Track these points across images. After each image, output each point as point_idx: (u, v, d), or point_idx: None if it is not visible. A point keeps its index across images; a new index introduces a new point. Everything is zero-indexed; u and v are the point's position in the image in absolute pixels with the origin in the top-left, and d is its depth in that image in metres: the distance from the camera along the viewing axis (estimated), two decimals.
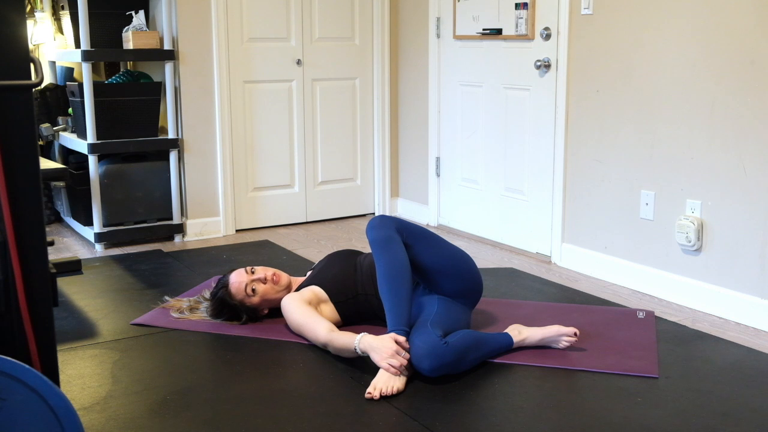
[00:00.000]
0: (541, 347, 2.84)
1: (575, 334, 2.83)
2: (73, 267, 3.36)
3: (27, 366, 1.68)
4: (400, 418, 2.34)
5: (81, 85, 4.28)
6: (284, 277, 3.12)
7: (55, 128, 4.73)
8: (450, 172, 4.77)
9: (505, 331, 2.87)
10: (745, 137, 3.16)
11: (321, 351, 2.82)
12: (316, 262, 3.34)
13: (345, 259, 3.14)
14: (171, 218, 4.55)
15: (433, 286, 2.93)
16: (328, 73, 4.94)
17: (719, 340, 3.00)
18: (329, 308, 3.00)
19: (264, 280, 3.05)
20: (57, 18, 4.91)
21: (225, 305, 3.08)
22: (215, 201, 4.66)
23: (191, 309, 3.22)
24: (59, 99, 4.96)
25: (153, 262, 4.09)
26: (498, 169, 4.41)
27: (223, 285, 3.09)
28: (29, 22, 4.89)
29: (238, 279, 3.06)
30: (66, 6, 4.51)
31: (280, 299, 3.06)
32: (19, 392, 1.67)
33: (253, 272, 3.07)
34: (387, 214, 5.16)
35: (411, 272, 2.75)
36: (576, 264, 3.96)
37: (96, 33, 4.34)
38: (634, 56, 3.57)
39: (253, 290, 3.04)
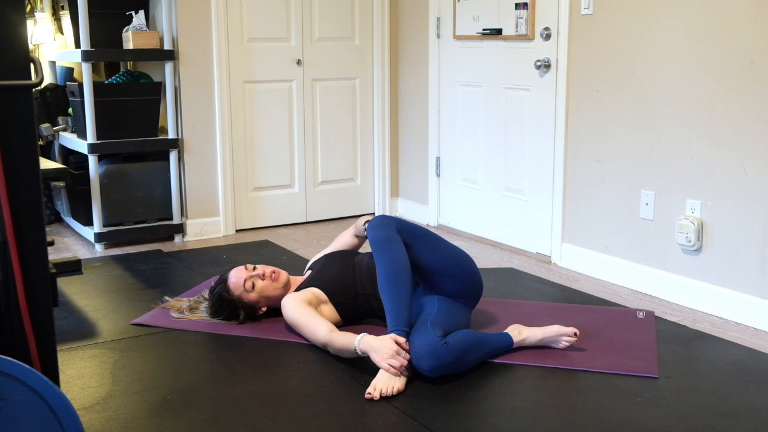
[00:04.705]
0: (541, 347, 2.84)
1: (575, 334, 2.83)
2: (73, 267, 3.35)
3: (27, 366, 1.68)
4: (400, 418, 2.35)
5: (81, 85, 4.28)
6: (284, 275, 3.12)
7: (55, 128, 4.73)
8: (450, 172, 4.77)
9: (505, 331, 2.87)
10: (745, 137, 3.16)
11: (321, 351, 2.82)
12: (311, 260, 3.34)
13: (342, 259, 3.14)
14: (171, 218, 4.55)
15: (433, 287, 2.93)
16: (328, 73, 4.94)
17: (719, 340, 3.00)
18: (329, 309, 3.00)
19: (263, 277, 3.06)
20: (57, 18, 4.91)
21: (223, 301, 3.08)
22: (215, 201, 4.66)
23: (191, 309, 3.22)
24: (59, 99, 4.96)
25: (153, 262, 4.09)
26: (498, 169, 4.41)
27: (222, 280, 3.10)
28: (29, 22, 4.89)
29: (237, 275, 3.07)
30: (66, 6, 4.51)
31: (279, 297, 3.06)
32: (19, 392, 1.67)
33: (254, 269, 3.08)
34: (387, 214, 5.16)
35: (411, 272, 2.76)
36: (576, 264, 3.96)
37: (96, 33, 4.34)
38: (634, 56, 3.57)
39: (252, 286, 3.05)
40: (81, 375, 2.67)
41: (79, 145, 4.39)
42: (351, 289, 3.02)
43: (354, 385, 2.56)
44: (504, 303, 3.40)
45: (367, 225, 3.17)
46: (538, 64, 4.02)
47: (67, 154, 4.80)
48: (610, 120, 3.72)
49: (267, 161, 4.81)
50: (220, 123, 4.58)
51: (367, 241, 3.25)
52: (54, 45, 4.97)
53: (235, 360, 2.79)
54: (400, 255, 2.75)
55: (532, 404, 2.44)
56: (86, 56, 4.20)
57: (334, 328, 2.79)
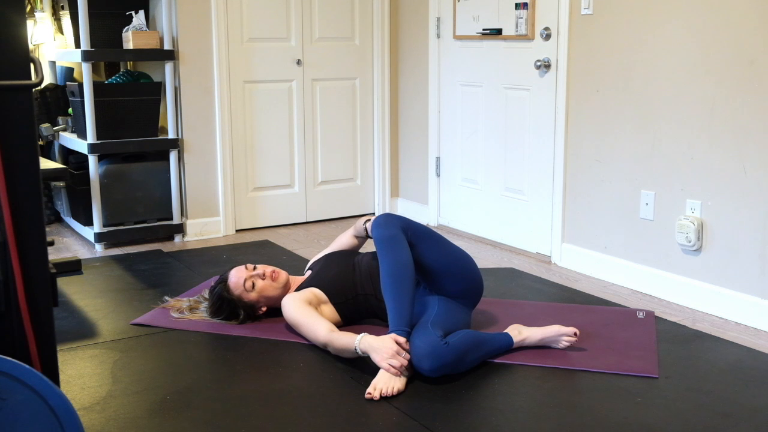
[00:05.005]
0: (541, 347, 2.84)
1: (575, 334, 2.83)
2: (73, 267, 3.36)
3: (27, 366, 1.68)
4: (400, 418, 2.35)
5: (81, 85, 4.28)
6: (283, 274, 3.12)
7: (55, 128, 4.73)
8: (450, 172, 4.77)
9: (505, 331, 2.87)
10: (745, 137, 3.16)
11: (321, 351, 2.82)
12: (311, 260, 3.35)
13: (342, 259, 3.14)
14: (171, 218, 4.55)
15: (434, 286, 2.93)
16: (328, 73, 4.94)
17: (719, 340, 3.00)
18: (329, 309, 3.00)
19: (263, 276, 3.06)
20: (57, 18, 4.91)
21: (223, 300, 3.09)
22: (215, 201, 4.66)
23: (191, 309, 3.22)
24: (59, 99, 4.96)
25: (153, 262, 4.09)
26: (498, 169, 4.41)
27: (222, 280, 3.11)
28: (29, 22, 4.89)
29: (237, 274, 3.07)
30: (66, 6, 4.51)
31: (278, 297, 3.06)
32: (19, 392, 1.67)
33: (254, 269, 3.08)
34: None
35: (414, 272, 2.76)
36: (576, 264, 3.96)
37: (96, 33, 4.34)
38: (634, 56, 3.57)
39: (252, 285, 3.05)
40: (81, 375, 2.67)
41: (79, 145, 4.39)
42: (351, 289, 3.02)
43: (354, 385, 2.56)
44: (504, 303, 3.40)
45: (367, 225, 3.17)
46: (538, 64, 4.02)
47: (67, 154, 4.81)
48: (610, 120, 3.72)
49: (267, 161, 4.81)
50: (220, 123, 4.58)
51: (369, 240, 3.25)
52: (54, 45, 4.97)
53: (235, 360, 2.79)
54: (404, 255, 2.76)
55: (532, 404, 2.44)
56: (86, 56, 4.20)
57: (334, 327, 2.79)
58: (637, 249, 3.65)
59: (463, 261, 2.95)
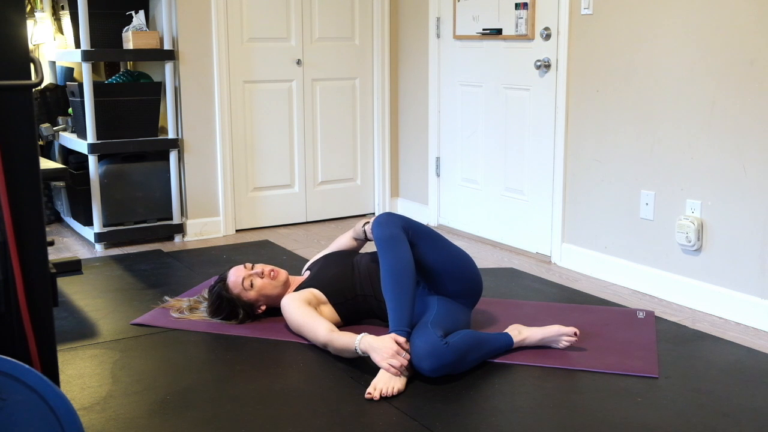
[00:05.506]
0: (541, 347, 2.84)
1: (575, 334, 2.83)
2: (73, 267, 3.36)
3: (27, 366, 1.68)
4: (400, 418, 2.35)
5: (81, 85, 4.28)
6: (282, 273, 3.12)
7: (55, 128, 4.73)
8: (450, 172, 4.77)
9: (505, 331, 2.87)
10: (745, 137, 3.16)
11: (321, 351, 2.82)
12: (310, 261, 3.35)
13: (341, 259, 3.14)
14: (171, 218, 4.55)
15: (434, 286, 2.93)
16: (328, 73, 4.94)
17: (719, 340, 3.00)
18: (329, 309, 3.00)
19: (261, 275, 3.06)
20: (57, 18, 4.91)
21: (222, 299, 3.09)
22: (215, 201, 4.66)
23: (191, 309, 3.22)
24: (59, 99, 4.96)
25: (153, 262, 4.09)
26: (498, 169, 4.41)
27: (221, 279, 3.11)
28: (29, 22, 4.89)
29: (236, 273, 3.08)
30: (66, 6, 4.51)
31: (278, 296, 3.06)
32: (19, 392, 1.67)
33: (252, 268, 3.09)
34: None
35: (415, 272, 2.76)
36: (576, 264, 3.96)
37: (96, 33, 4.34)
38: (634, 56, 3.57)
39: (251, 284, 3.05)
40: (81, 375, 2.67)
41: (79, 145, 4.40)
42: (350, 289, 3.02)
43: (354, 385, 2.56)
44: (504, 303, 3.40)
45: (366, 228, 3.17)
46: (538, 64, 4.02)
47: (67, 154, 4.81)
48: (610, 120, 3.72)
49: (267, 161, 4.81)
50: (220, 123, 4.58)
51: (368, 242, 3.25)
52: (54, 45, 4.97)
53: (235, 360, 2.79)
54: (405, 254, 2.76)
55: (532, 404, 2.44)
56: (86, 56, 4.20)
57: (334, 327, 2.79)
58: (637, 249, 3.65)
59: (463, 261, 2.95)
